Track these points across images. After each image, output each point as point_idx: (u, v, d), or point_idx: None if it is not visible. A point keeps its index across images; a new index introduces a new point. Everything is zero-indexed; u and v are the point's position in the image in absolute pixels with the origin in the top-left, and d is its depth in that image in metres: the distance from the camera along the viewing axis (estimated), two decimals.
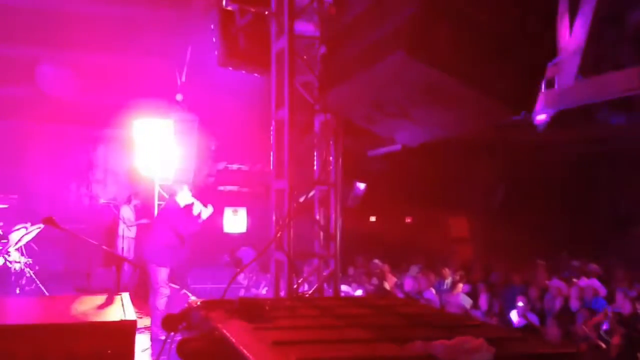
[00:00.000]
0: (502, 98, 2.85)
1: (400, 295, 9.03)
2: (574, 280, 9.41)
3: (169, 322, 3.07)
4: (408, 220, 15.36)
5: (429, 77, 2.78)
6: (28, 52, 10.38)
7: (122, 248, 11.50)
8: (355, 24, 3.23)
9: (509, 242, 12.66)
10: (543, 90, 4.67)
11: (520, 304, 8.30)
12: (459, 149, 11.48)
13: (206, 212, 7.35)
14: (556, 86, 4.86)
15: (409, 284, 9.44)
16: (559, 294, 8.56)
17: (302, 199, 4.78)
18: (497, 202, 13.91)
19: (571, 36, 4.53)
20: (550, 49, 3.42)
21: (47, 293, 7.04)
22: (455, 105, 2.96)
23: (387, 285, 9.54)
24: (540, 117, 5.85)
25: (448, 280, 9.89)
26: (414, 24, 2.68)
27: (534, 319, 8.13)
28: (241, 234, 14.47)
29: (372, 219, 15.21)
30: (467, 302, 8.27)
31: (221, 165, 13.66)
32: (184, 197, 7.34)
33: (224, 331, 2.63)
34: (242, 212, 14.81)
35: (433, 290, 9.00)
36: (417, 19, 2.67)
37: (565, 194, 13.36)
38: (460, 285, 9.43)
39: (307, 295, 4.70)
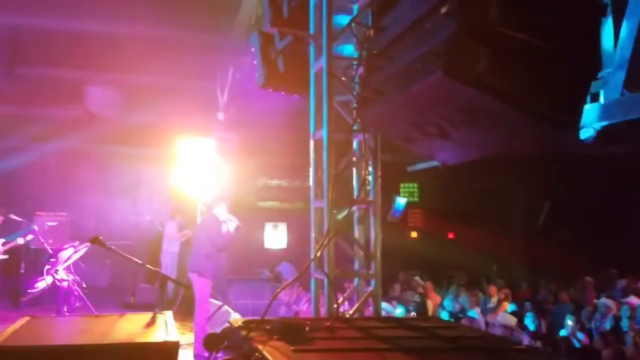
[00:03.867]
0: (544, 117, 2.79)
1: (443, 313, 8.88)
2: (623, 299, 9.08)
3: (211, 342, 3.11)
4: (450, 236, 15.12)
5: (468, 98, 2.75)
6: (77, 75, 10.77)
7: (167, 264, 11.72)
8: (394, 44, 3.24)
9: (555, 259, 12.32)
10: (588, 105, 4.56)
11: (569, 322, 8.06)
12: (502, 164, 11.29)
13: (233, 224, 7.62)
14: (601, 101, 4.73)
15: (452, 303, 9.28)
16: (609, 313, 8.27)
17: (341, 216, 4.79)
18: (542, 217, 13.59)
19: (616, 50, 4.42)
20: (594, 64, 3.34)
21: (94, 310, 7.21)
22: (495, 126, 2.92)
23: (429, 304, 9.40)
24: (586, 133, 5.70)
25: (494, 299, 9.66)
26: (452, 45, 2.67)
27: (583, 338, 7.87)
28: (281, 250, 14.53)
29: (413, 234, 15.04)
30: (512, 321, 8.06)
31: (261, 182, 13.83)
32: (221, 213, 7.62)
33: (264, 352, 2.64)
34: (283, 228, 14.89)
35: (478, 309, 8.81)
36: (455, 39, 2.66)
37: (612, 209, 12.93)
38: (506, 304, 9.21)
39: (347, 315, 4.67)
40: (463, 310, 9.05)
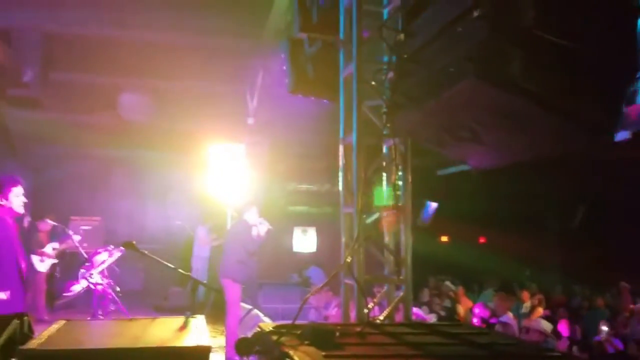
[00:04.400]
0: (580, 121, 2.73)
1: (475, 319, 8.76)
2: None
3: (243, 346, 3.13)
4: (482, 240, 14.92)
5: (501, 101, 2.72)
6: (109, 81, 10.98)
7: (197, 268, 11.87)
8: (424, 49, 3.22)
9: (589, 264, 12.05)
10: (624, 107, 4.46)
11: (604, 328, 7.87)
12: (535, 166, 11.08)
13: (263, 227, 7.69)
14: (637, 103, 4.62)
15: (484, 308, 9.14)
16: None
17: (370, 220, 4.77)
18: (577, 222, 13.29)
19: None
20: (631, 65, 3.26)
21: (127, 314, 7.33)
22: (529, 130, 2.87)
23: (460, 309, 9.28)
24: (622, 136, 5.57)
25: (527, 305, 9.48)
26: (485, 48, 2.64)
27: (619, 344, 7.67)
28: (310, 254, 14.55)
29: (444, 239, 14.89)
30: (548, 327, 7.90)
31: (290, 186, 13.87)
32: (252, 217, 7.69)
33: (295, 358, 2.65)
34: (312, 232, 14.91)
35: (510, 315, 8.66)
36: (488, 42, 2.63)
37: None
38: (540, 310, 9.03)
39: (377, 321, 4.65)
40: (495, 316, 8.91)
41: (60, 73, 10.60)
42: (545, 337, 7.65)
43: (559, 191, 13.13)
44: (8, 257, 4.30)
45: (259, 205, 8.17)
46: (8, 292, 4.18)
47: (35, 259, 9.36)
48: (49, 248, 9.47)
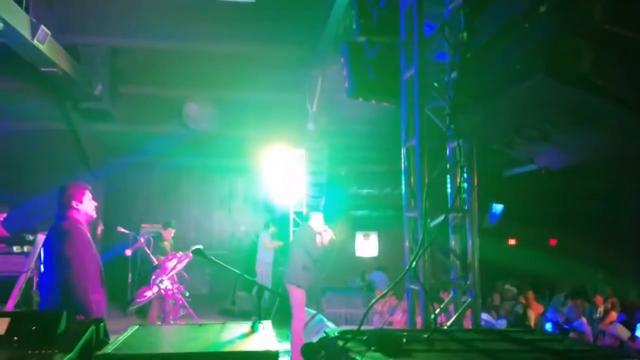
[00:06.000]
0: None
1: (547, 324, 8.46)
2: None
3: (308, 351, 3.14)
4: (552, 243, 14.38)
5: (571, 98, 2.62)
6: (175, 93, 11.34)
7: (261, 272, 12.05)
8: (489, 47, 3.14)
9: None
10: None
11: None
12: (607, 165, 10.60)
13: (327, 235, 7.66)
14: None
15: (556, 313, 8.82)
16: None
17: (434, 224, 4.68)
18: None
19: None
20: None
21: (197, 319, 7.51)
22: (604, 127, 2.75)
23: (531, 315, 8.98)
24: None
25: (600, 309, 9.08)
26: (553, 44, 2.55)
27: None
28: (372, 258, 14.48)
29: (512, 242, 14.47)
30: (625, 334, 7.54)
31: (351, 190, 13.87)
32: (317, 224, 7.68)
33: None
34: (374, 236, 14.84)
35: (584, 320, 8.31)
36: (556, 38, 2.53)
37: None
38: (614, 314, 8.63)
39: (445, 327, 4.56)
40: (568, 321, 8.58)
41: (129, 86, 11.05)
42: (621, 342, 7.31)
43: (633, 191, 12.52)
44: (92, 261, 4.38)
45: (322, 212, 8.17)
46: (99, 295, 4.30)
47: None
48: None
